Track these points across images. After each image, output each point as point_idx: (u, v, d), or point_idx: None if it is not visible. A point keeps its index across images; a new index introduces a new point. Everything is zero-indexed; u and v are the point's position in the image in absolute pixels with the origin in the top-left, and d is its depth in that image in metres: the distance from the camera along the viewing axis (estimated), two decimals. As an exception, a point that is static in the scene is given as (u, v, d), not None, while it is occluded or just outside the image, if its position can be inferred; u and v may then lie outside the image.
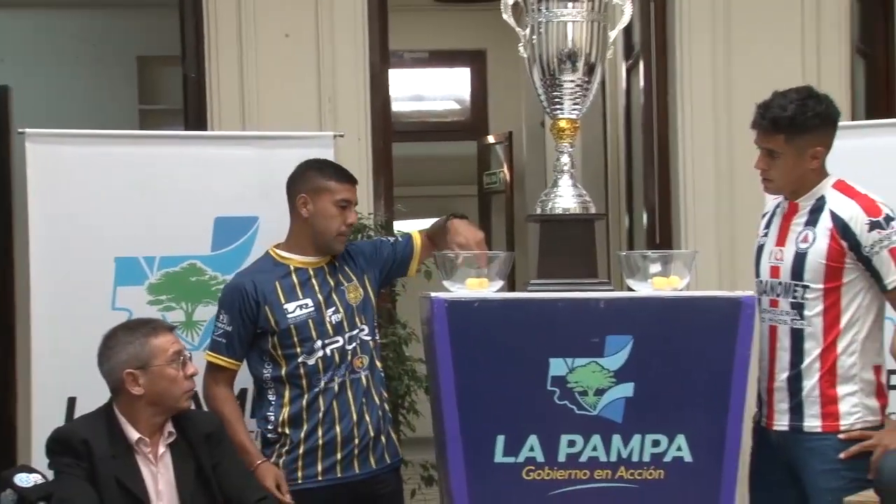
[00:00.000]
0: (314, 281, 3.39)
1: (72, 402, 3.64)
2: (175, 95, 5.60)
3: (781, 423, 3.21)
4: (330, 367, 3.34)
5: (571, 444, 3.06)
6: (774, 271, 3.23)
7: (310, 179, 3.41)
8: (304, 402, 3.33)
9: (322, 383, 3.33)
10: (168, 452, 3.13)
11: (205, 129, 4.57)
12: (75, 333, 3.60)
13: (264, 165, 3.85)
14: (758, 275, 3.30)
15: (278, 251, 3.44)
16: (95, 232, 3.73)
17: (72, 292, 3.70)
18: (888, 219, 3.12)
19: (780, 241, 3.24)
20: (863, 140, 3.87)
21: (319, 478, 3.34)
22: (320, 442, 3.33)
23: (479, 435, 3.05)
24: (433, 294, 3.08)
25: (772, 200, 3.39)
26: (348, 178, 3.43)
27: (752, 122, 3.22)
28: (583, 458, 3.06)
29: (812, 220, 3.18)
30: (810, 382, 3.15)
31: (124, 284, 3.75)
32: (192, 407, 3.31)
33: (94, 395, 3.26)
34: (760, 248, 3.31)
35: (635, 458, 3.06)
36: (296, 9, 4.66)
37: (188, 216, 3.80)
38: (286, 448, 3.35)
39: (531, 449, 3.04)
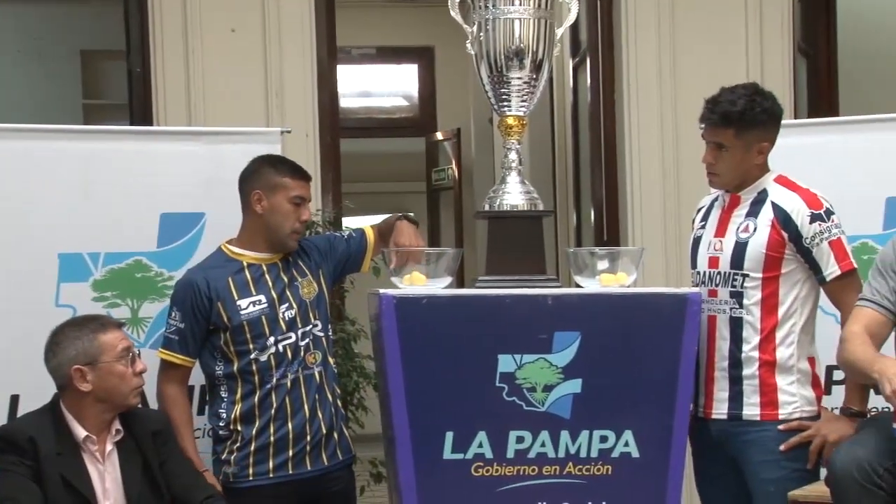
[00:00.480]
0: (267, 277, 3.37)
1: (14, 400, 3.59)
2: (120, 90, 5.55)
3: (720, 411, 3.24)
4: (282, 364, 3.32)
5: (520, 440, 3.07)
6: (713, 261, 3.26)
7: (264, 175, 3.39)
8: (257, 398, 3.32)
9: (274, 379, 3.32)
10: (115, 450, 3.10)
11: (150, 124, 4.54)
12: (17, 331, 3.55)
13: (211, 161, 3.81)
14: (694, 266, 3.34)
15: (230, 247, 3.42)
16: (38, 227, 3.68)
17: (14, 289, 3.64)
18: (828, 212, 3.18)
19: (720, 232, 3.27)
20: (804, 138, 3.92)
21: (271, 475, 3.32)
22: (272, 439, 3.32)
23: (427, 431, 3.05)
24: (381, 290, 3.08)
25: (707, 197, 3.44)
26: (303, 175, 3.42)
27: (700, 116, 3.26)
28: (531, 455, 3.07)
29: (753, 212, 3.22)
30: (750, 371, 3.19)
31: (68, 281, 3.70)
32: (140, 405, 3.28)
33: (37, 392, 3.23)
34: (697, 241, 3.35)
35: (583, 454, 3.08)
36: (242, 4, 4.64)
37: (133, 212, 3.76)
38: (238, 445, 3.33)
39: (480, 445, 3.05)
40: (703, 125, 3.26)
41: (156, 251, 3.77)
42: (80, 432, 3.06)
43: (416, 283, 3.15)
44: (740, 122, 3.18)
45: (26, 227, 3.67)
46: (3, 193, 3.67)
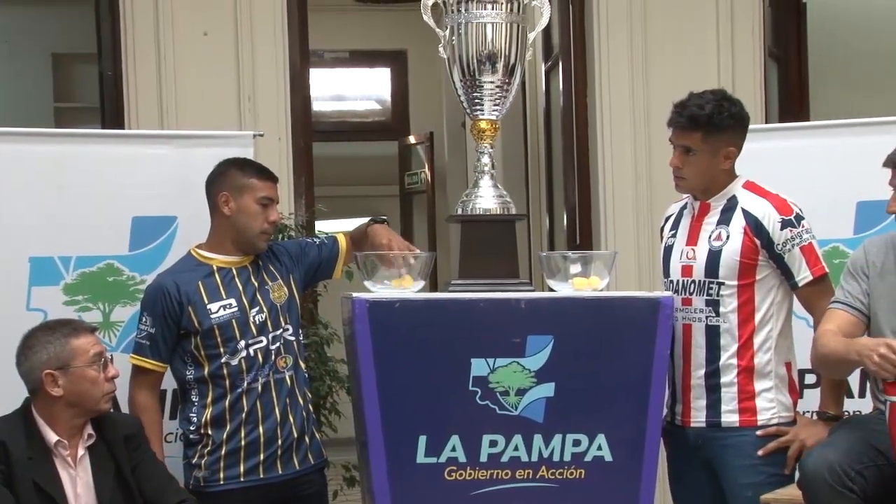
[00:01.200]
0: (238, 280, 3.36)
1: (-14, 404, 3.57)
2: (91, 93, 5.51)
3: (698, 419, 3.25)
4: (253, 368, 3.32)
5: (493, 444, 3.07)
6: (686, 270, 3.27)
7: (231, 177, 3.38)
8: (227, 402, 3.31)
9: (245, 383, 3.31)
10: (87, 455, 3.09)
11: (122, 127, 4.51)
12: (-11, 334, 3.53)
13: (183, 165, 3.80)
14: (667, 275, 3.34)
15: (200, 251, 3.41)
16: (8, 231, 3.66)
17: (-16, 293, 3.63)
18: (798, 217, 3.20)
19: (692, 240, 3.28)
20: (775, 142, 3.95)
21: (241, 479, 3.31)
22: (243, 443, 3.31)
23: (400, 435, 3.04)
24: (354, 294, 3.08)
25: (674, 204, 3.45)
26: (269, 176, 3.42)
27: (668, 119, 3.27)
28: (504, 458, 3.07)
29: (725, 219, 3.24)
30: (728, 378, 3.20)
31: (39, 284, 3.68)
32: (112, 409, 3.27)
33: (7, 396, 3.20)
34: (669, 249, 3.35)
35: (556, 458, 3.08)
36: (214, 7, 4.62)
37: (105, 215, 3.74)
38: (208, 449, 3.32)
39: (453, 449, 3.05)
40: (670, 128, 3.27)
41: (127, 255, 3.76)
42: (52, 437, 3.04)
43: (405, 286, 3.15)
44: (708, 125, 3.19)
45: (-3, 231, 3.65)
46: (-27, 197, 3.65)
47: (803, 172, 3.81)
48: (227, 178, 3.39)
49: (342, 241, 3.58)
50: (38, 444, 3.02)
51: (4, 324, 3.43)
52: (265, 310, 3.36)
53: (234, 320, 3.32)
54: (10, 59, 6.74)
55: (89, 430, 3.10)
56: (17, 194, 3.68)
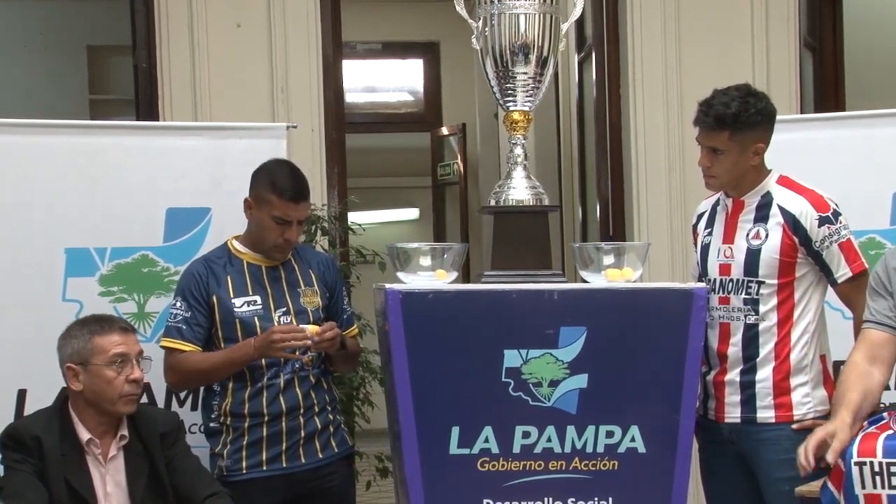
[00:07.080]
0: (266, 279, 3.35)
1: (22, 395, 3.61)
2: (126, 85, 5.55)
3: (733, 415, 3.23)
4: (274, 365, 3.31)
5: (526, 435, 3.06)
6: (724, 269, 3.24)
7: (258, 185, 3.34)
8: (248, 394, 3.31)
9: (265, 378, 3.30)
10: (121, 454, 3.08)
11: (156, 119, 4.54)
12: (25, 325, 3.57)
13: (217, 156, 3.83)
14: (705, 273, 3.31)
15: (235, 244, 3.41)
16: (45, 222, 3.70)
17: (21, 283, 3.66)
18: (836, 213, 3.16)
19: (728, 238, 3.25)
20: (810, 133, 3.93)
21: (264, 467, 3.30)
22: (265, 433, 3.30)
23: (433, 426, 3.04)
24: (387, 285, 3.07)
25: (705, 201, 3.42)
26: (293, 197, 3.30)
27: (694, 119, 3.24)
28: (537, 450, 3.06)
29: (761, 217, 3.20)
30: (764, 374, 3.18)
31: (75, 275, 3.71)
32: (146, 401, 3.27)
33: (44, 387, 3.24)
34: (706, 248, 3.32)
35: (589, 449, 3.07)
36: (248, -1, 4.64)
37: (140, 207, 3.77)
38: (230, 438, 3.32)
39: (486, 440, 3.05)
40: (696, 127, 3.24)
41: (162, 246, 3.78)
42: (84, 435, 3.04)
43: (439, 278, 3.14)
44: (735, 124, 3.14)
45: (33, 223, 3.69)
46: (9, 189, 3.68)
47: (838, 163, 3.79)
48: (256, 184, 3.35)
49: (350, 333, 3.52)
50: (71, 440, 3.03)
51: (41, 314, 3.47)
52: (292, 312, 3.34)
53: (256, 318, 3.30)
54: (45, 52, 6.80)
55: (123, 430, 3.09)
56: (53, 186, 3.71)
